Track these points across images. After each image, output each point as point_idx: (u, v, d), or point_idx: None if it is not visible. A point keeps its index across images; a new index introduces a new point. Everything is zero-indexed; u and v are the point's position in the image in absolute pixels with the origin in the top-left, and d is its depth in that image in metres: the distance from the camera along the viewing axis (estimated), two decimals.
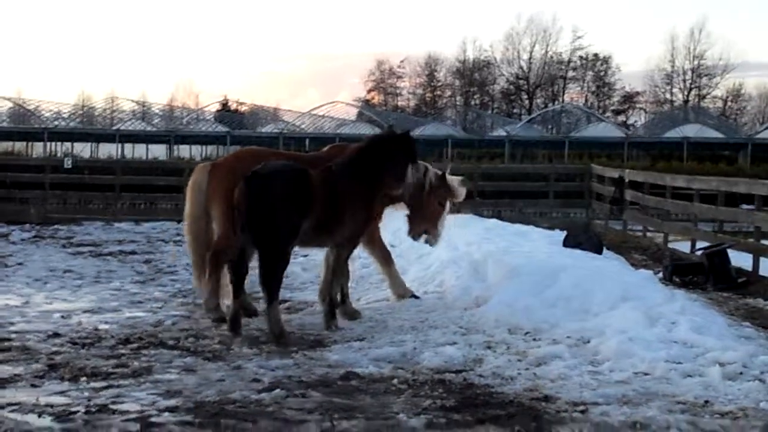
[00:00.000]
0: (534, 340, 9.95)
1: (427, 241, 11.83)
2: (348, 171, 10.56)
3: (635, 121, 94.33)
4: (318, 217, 10.08)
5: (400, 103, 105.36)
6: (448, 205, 11.79)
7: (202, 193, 11.41)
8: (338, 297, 11.16)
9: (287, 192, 9.87)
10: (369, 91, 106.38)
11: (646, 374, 8.53)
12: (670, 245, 19.58)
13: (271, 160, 10.73)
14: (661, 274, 15.42)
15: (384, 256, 12.44)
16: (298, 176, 10.05)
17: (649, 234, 21.92)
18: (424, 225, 11.64)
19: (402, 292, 12.31)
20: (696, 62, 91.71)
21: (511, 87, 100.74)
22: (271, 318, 9.94)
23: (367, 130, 64.93)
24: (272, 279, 9.89)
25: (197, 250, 11.55)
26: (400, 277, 12.57)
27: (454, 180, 11.73)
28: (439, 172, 11.64)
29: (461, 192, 11.78)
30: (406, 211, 11.69)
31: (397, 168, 10.89)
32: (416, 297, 12.23)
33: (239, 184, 9.95)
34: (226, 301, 11.00)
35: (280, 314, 10.14)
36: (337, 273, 10.80)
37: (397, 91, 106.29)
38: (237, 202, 9.92)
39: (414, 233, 11.71)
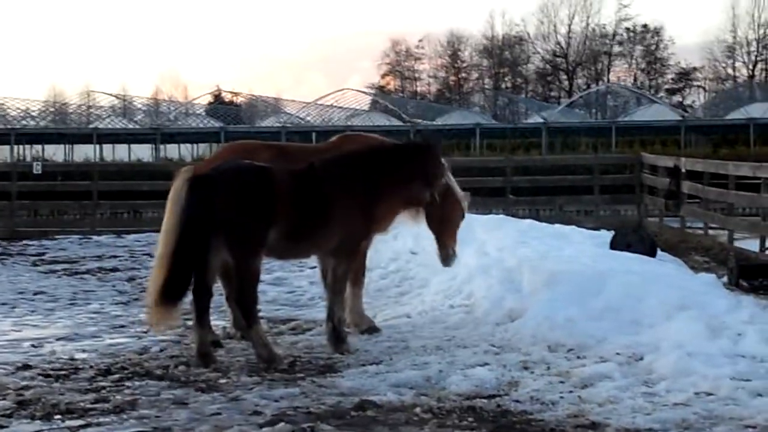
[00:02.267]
0: (578, 358, 9.94)
1: (449, 260, 11.87)
2: (344, 169, 10.45)
3: (693, 102, 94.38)
4: (289, 224, 9.96)
5: (419, 89, 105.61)
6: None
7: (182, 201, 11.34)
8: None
9: (243, 196, 9.77)
10: (383, 76, 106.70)
11: (708, 394, 8.50)
12: (736, 244, 19.49)
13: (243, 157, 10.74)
14: (725, 278, 15.32)
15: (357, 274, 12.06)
16: (257, 176, 9.94)
17: (711, 232, 21.83)
18: (454, 240, 11.74)
19: (358, 321, 11.84)
20: (762, 31, 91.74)
21: (548, 66, 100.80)
22: (255, 341, 9.99)
23: (382, 120, 65.07)
24: (244, 298, 9.92)
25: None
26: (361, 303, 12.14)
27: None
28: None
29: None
30: (426, 224, 11.73)
31: (423, 177, 10.78)
32: (376, 329, 11.72)
33: (178, 191, 9.92)
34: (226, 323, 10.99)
35: (264, 335, 10.18)
36: (336, 290, 10.68)
37: (416, 75, 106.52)
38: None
39: (449, 250, 11.76)
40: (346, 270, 10.74)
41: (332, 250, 10.49)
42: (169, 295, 9.82)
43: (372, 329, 11.63)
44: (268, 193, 9.84)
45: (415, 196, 10.94)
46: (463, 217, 11.90)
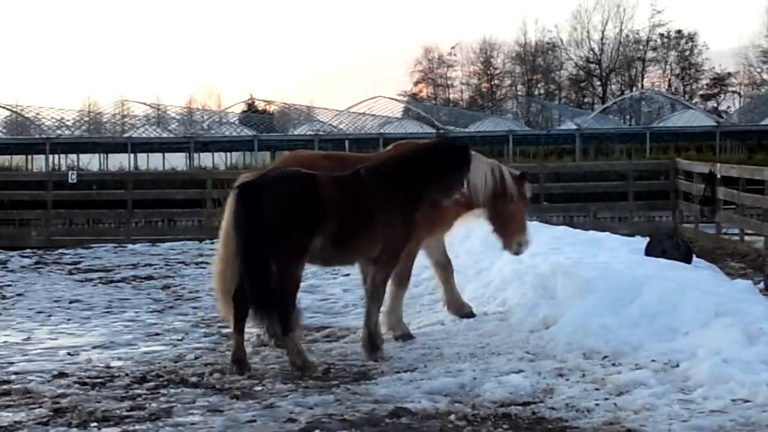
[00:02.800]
0: (613, 365, 9.90)
1: (517, 252, 12.30)
2: (384, 176, 10.52)
3: (728, 107, 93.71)
4: (335, 231, 10.05)
5: (452, 96, 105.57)
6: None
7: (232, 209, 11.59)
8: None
9: (288, 204, 9.91)
10: (416, 84, 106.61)
11: (746, 401, 8.45)
12: None
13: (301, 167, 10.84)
14: (762, 284, 15.25)
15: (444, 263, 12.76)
16: (302, 183, 10.06)
17: (747, 238, 21.70)
18: (518, 234, 12.05)
19: (395, 325, 11.94)
20: None
21: (581, 72, 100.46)
22: (289, 348, 10.05)
23: (415, 128, 65.08)
24: (282, 305, 9.93)
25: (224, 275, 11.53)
26: (457, 291, 12.75)
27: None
28: (516, 172, 12.13)
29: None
30: (486, 222, 12.20)
31: (446, 179, 10.80)
32: (410, 337, 11.82)
33: (230, 197, 10.11)
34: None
35: (298, 343, 10.20)
36: (374, 297, 10.73)
37: (449, 82, 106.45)
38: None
39: (512, 247, 12.16)
40: (385, 277, 10.77)
41: (374, 257, 10.54)
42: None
43: (406, 336, 11.68)
44: (312, 200, 9.91)
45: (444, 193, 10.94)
46: (526, 211, 12.33)
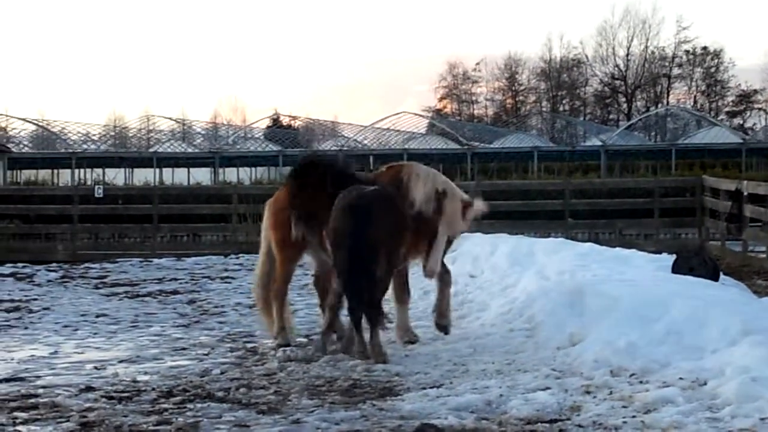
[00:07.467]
0: (641, 382, 9.83)
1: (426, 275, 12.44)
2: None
3: (754, 124, 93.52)
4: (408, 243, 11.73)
5: (476, 112, 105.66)
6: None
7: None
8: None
9: (394, 219, 11.39)
10: (440, 99, 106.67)
11: None
12: None
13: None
14: None
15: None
16: (396, 201, 11.62)
17: None
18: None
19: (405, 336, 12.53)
20: None
21: (606, 89, 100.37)
22: (375, 340, 11.34)
23: (439, 143, 65.12)
24: (378, 305, 11.34)
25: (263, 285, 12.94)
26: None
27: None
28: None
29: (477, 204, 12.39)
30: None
31: None
32: (412, 342, 12.41)
33: (337, 214, 11.22)
34: None
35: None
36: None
37: (473, 98, 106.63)
38: (336, 232, 11.28)
39: (431, 267, 12.16)
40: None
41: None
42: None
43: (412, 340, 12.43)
44: (403, 216, 11.60)
45: None
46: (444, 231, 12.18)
